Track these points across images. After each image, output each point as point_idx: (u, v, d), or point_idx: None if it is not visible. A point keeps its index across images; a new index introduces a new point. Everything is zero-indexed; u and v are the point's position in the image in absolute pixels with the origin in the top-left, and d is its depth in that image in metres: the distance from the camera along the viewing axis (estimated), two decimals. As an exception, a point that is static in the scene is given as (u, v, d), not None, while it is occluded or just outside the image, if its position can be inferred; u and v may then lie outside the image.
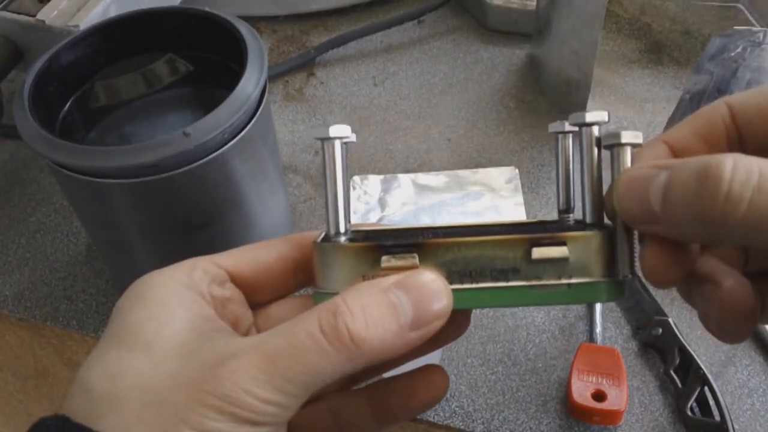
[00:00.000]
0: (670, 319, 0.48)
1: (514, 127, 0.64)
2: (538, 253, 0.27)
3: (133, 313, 0.28)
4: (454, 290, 0.28)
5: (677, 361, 0.46)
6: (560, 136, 0.32)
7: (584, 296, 0.28)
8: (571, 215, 0.32)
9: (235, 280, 0.31)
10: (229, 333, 0.30)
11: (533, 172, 0.60)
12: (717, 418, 0.43)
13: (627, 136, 0.28)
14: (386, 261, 0.28)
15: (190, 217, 0.43)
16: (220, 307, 0.30)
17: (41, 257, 0.56)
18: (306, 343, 0.25)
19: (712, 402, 0.44)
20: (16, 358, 0.51)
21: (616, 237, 0.28)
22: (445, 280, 0.28)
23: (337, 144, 0.29)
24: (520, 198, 0.58)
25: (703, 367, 0.45)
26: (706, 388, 0.44)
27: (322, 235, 0.31)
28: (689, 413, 0.44)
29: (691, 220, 0.24)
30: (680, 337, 0.47)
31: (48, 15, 0.55)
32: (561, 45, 0.61)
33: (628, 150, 0.28)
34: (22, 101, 0.41)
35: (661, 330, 0.48)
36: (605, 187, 0.29)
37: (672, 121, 0.54)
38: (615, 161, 0.28)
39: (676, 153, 0.29)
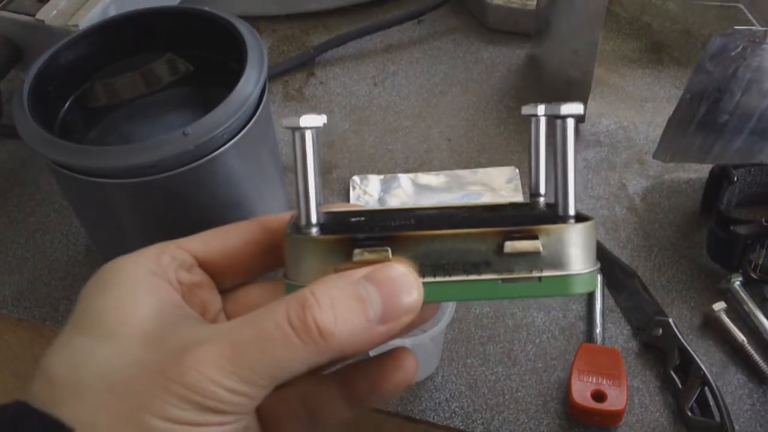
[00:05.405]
0: (671, 320, 0.48)
1: (514, 127, 0.64)
2: (510, 247, 0.28)
3: (98, 300, 0.28)
4: (425, 283, 0.28)
5: (677, 362, 0.46)
6: (533, 119, 0.32)
7: (555, 289, 0.28)
8: (541, 198, 0.32)
9: (203, 265, 0.31)
10: (197, 320, 0.29)
11: (533, 172, 0.60)
12: (717, 418, 0.43)
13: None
14: (358, 255, 0.28)
15: (190, 216, 0.43)
16: (188, 292, 0.30)
17: (41, 257, 0.56)
18: (274, 335, 0.25)
19: (712, 402, 0.44)
20: (15, 358, 0.51)
21: (587, 229, 0.28)
22: (417, 274, 0.27)
23: (308, 134, 0.29)
24: (520, 198, 0.58)
25: (703, 368, 0.45)
26: (706, 388, 0.44)
27: (293, 221, 0.30)
28: (689, 413, 0.44)
29: None
30: (680, 338, 0.47)
31: (47, 14, 0.55)
32: (561, 45, 0.61)
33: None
34: (21, 101, 0.41)
35: (661, 330, 0.47)
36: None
37: (672, 121, 0.54)
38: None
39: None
